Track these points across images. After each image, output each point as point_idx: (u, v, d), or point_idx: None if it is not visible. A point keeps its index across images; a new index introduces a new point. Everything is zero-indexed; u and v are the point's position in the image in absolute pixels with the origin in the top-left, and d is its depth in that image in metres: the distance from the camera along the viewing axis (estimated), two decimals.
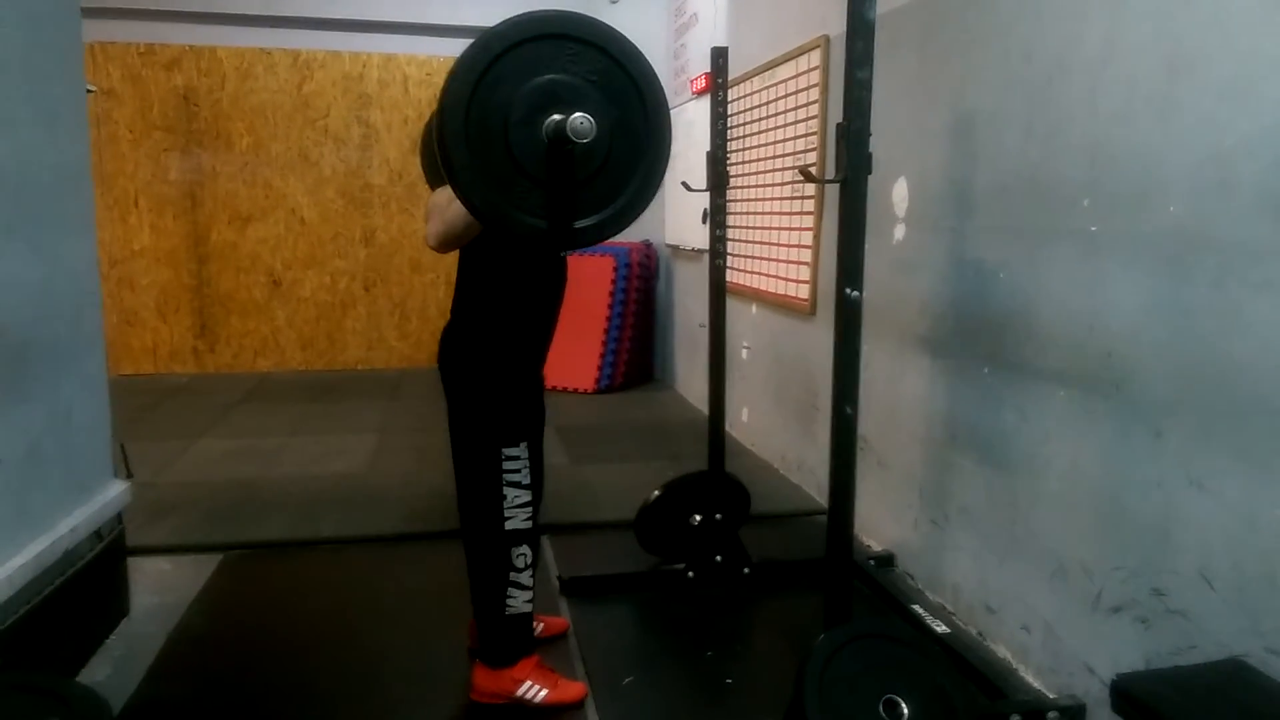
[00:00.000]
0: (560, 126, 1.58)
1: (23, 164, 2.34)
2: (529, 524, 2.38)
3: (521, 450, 2.34)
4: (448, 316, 2.47)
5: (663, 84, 1.81)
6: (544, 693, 2.39)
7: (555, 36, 1.64)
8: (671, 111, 5.88)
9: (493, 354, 2.34)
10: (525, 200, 1.67)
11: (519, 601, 2.39)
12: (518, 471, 2.33)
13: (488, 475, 2.33)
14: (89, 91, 2.77)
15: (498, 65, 1.59)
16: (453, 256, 2.42)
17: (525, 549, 2.38)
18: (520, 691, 2.38)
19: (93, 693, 1.73)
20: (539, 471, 2.45)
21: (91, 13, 2.77)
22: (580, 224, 1.72)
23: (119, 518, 2.88)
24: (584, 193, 1.70)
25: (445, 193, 2.21)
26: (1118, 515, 2.18)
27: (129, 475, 2.98)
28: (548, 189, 1.68)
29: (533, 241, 1.85)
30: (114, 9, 6.40)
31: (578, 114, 1.54)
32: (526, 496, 2.35)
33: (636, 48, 1.74)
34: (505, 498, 2.32)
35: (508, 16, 1.62)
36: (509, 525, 2.34)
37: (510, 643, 2.41)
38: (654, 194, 1.81)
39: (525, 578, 2.39)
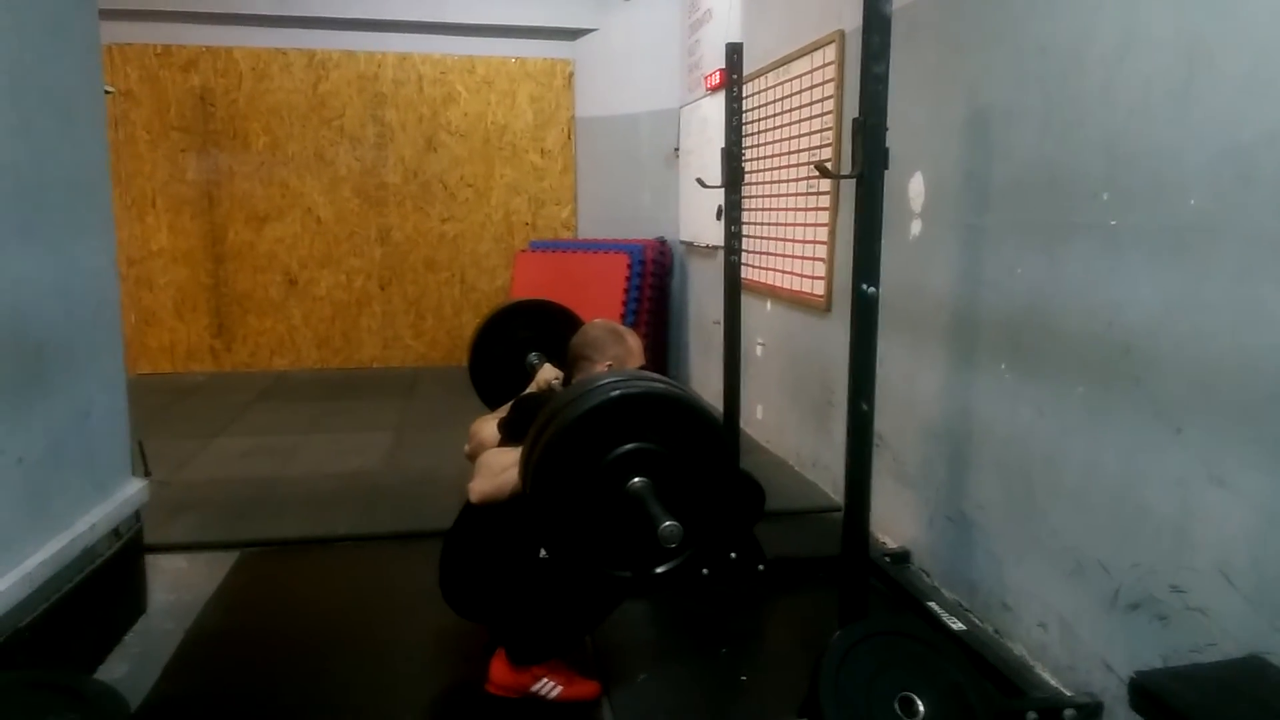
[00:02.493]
0: (644, 499, 1.79)
1: (42, 165, 2.36)
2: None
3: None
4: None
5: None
6: (559, 689, 2.39)
7: (646, 407, 1.87)
8: (686, 108, 5.90)
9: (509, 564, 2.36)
10: (607, 544, 1.89)
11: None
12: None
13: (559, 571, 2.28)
14: (107, 93, 2.79)
15: (592, 429, 1.82)
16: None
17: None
18: (535, 686, 2.38)
19: (111, 690, 1.75)
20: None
21: (109, 14, 2.80)
22: (660, 570, 1.93)
23: (137, 515, 2.90)
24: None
25: (500, 458, 2.28)
26: (1136, 512, 2.16)
27: (147, 473, 3.00)
28: (629, 538, 1.87)
29: (617, 589, 2.15)
30: (131, 10, 6.45)
31: (668, 524, 1.71)
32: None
33: (712, 417, 1.96)
34: None
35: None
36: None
37: (557, 649, 2.41)
38: (724, 535, 1.98)
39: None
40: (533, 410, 2.23)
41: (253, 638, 2.83)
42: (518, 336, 3.10)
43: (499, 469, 2.24)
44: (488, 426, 2.53)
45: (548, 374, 2.75)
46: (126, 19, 6.49)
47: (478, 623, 2.50)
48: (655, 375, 1.99)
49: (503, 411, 2.55)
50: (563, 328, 2.83)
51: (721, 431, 1.93)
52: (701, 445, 1.90)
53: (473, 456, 2.48)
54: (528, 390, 2.72)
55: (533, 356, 3.02)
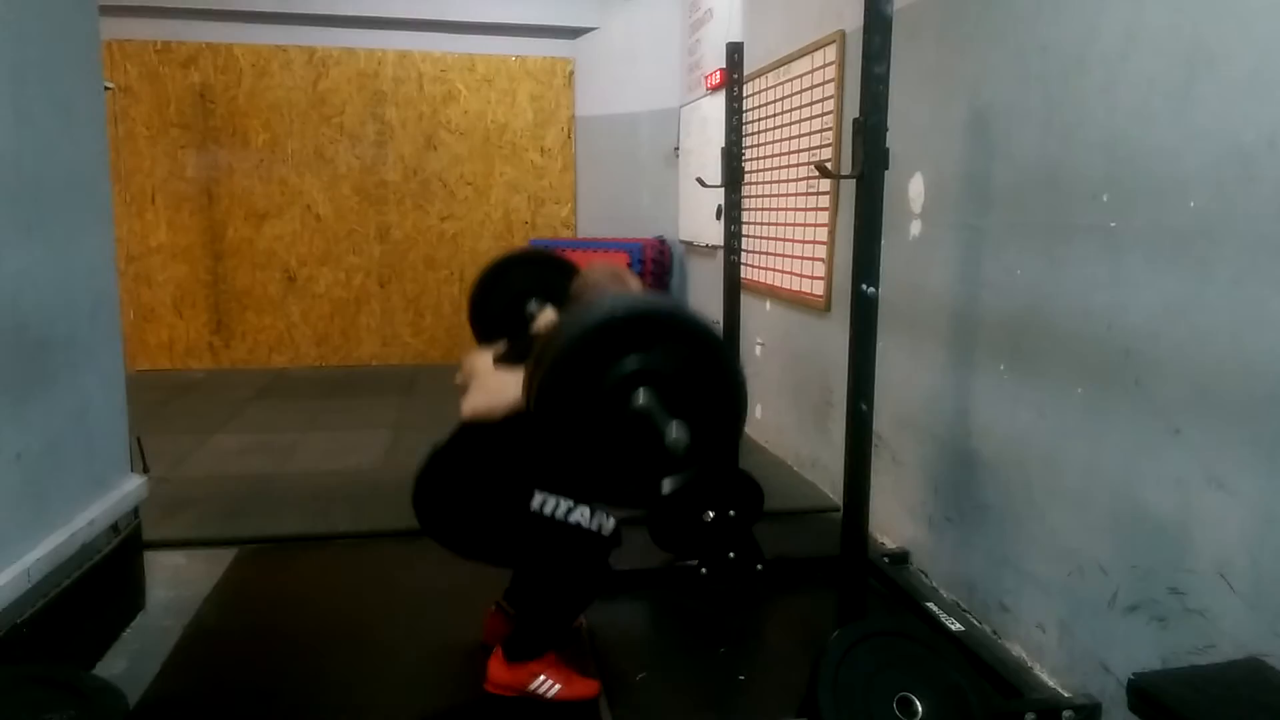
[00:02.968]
0: (650, 413, 1.75)
1: (41, 161, 2.36)
2: (613, 520, 2.37)
3: (539, 495, 2.29)
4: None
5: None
6: (557, 687, 2.39)
7: (653, 323, 1.83)
8: (686, 107, 5.90)
9: (493, 502, 2.33)
10: (613, 461, 1.85)
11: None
12: (558, 504, 2.29)
13: (549, 532, 2.28)
14: (106, 89, 2.78)
15: (600, 342, 1.77)
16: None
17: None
18: (534, 685, 2.38)
19: (110, 686, 1.75)
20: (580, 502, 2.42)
21: (108, 10, 2.79)
22: (666, 487, 1.90)
23: (135, 512, 2.90)
24: (664, 456, 1.79)
25: (499, 376, 2.27)
26: (1135, 513, 2.16)
27: (145, 470, 3.00)
28: (636, 457, 1.83)
29: (622, 504, 2.08)
30: (131, 7, 6.44)
31: (677, 428, 1.70)
32: (588, 507, 2.32)
33: (720, 334, 1.96)
34: (580, 524, 2.30)
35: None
36: (605, 531, 2.34)
37: (550, 640, 2.41)
38: (729, 455, 1.97)
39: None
40: (531, 340, 2.21)
41: (251, 634, 2.83)
42: (519, 284, 3.07)
43: (497, 386, 2.21)
44: (483, 358, 2.48)
45: (549, 317, 2.72)
46: (126, 15, 6.48)
47: (447, 547, 2.43)
48: (657, 295, 1.98)
49: (498, 348, 2.51)
50: (565, 277, 2.81)
51: (727, 351, 1.91)
52: (706, 360, 1.84)
53: (465, 387, 2.45)
54: (531, 332, 2.70)
55: (533, 302, 2.99)
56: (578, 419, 1.78)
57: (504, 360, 2.39)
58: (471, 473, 2.37)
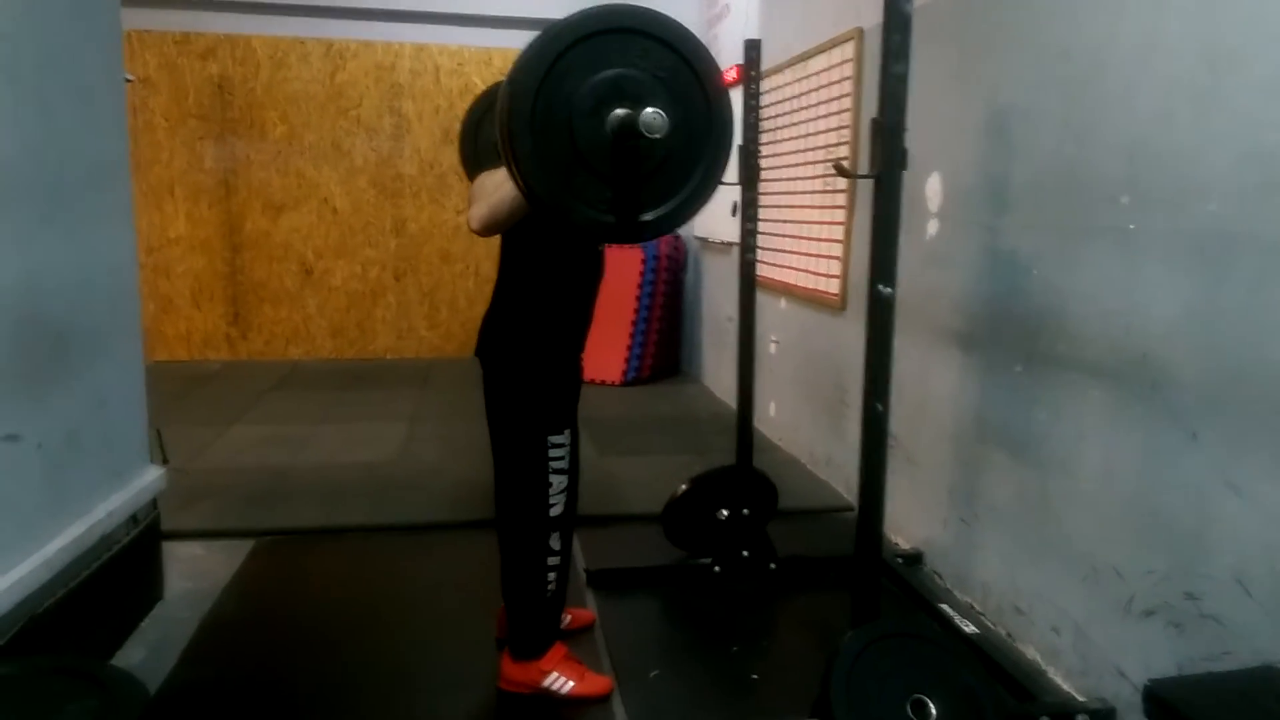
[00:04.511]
0: (629, 120, 1.59)
1: (62, 153, 2.38)
2: (568, 509, 2.41)
3: (566, 437, 2.36)
4: (477, 306, 2.47)
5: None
6: (570, 684, 2.40)
7: (625, 31, 1.66)
8: None
9: (536, 340, 2.35)
10: (587, 192, 1.69)
11: (554, 587, 2.43)
12: (562, 459, 2.36)
13: (533, 463, 2.34)
14: (127, 81, 2.80)
15: (567, 56, 1.61)
16: (484, 246, 2.43)
17: (559, 533, 2.41)
18: (547, 682, 2.39)
19: (130, 676, 1.76)
20: (577, 458, 2.47)
21: (129, 1, 2.80)
22: (645, 218, 1.74)
23: (154, 503, 2.93)
24: (647, 186, 1.70)
25: (492, 177, 2.23)
26: (1152, 518, 2.15)
27: (164, 461, 3.03)
28: (613, 182, 1.69)
29: (596, 234, 1.89)
30: None
31: (650, 109, 1.55)
32: (565, 482, 2.38)
33: (702, 44, 1.73)
34: (551, 485, 2.35)
35: (566, 8, 1.62)
36: (553, 512, 2.37)
37: (539, 633, 2.43)
38: (715, 188, 1.82)
39: (559, 561, 2.42)
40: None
41: (268, 625, 2.85)
42: None
43: (492, 187, 2.18)
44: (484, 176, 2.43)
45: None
46: (146, 6, 6.52)
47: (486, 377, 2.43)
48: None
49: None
50: None
51: (708, 54, 1.74)
52: (683, 72, 1.70)
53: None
54: None
55: None
56: (549, 142, 1.62)
57: (493, 156, 2.35)
58: (512, 302, 2.39)
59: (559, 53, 1.60)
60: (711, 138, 1.76)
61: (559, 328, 2.39)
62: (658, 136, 1.56)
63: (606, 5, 1.66)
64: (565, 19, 1.62)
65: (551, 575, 2.42)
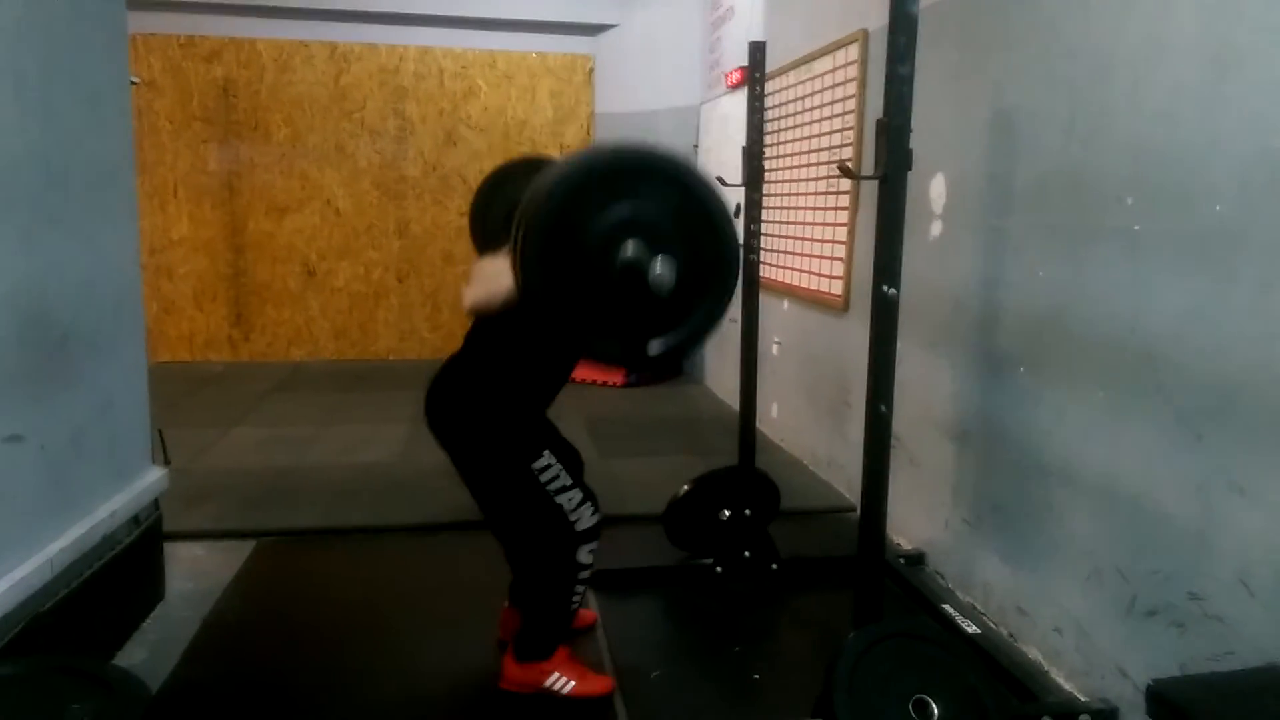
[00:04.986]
0: (638, 264, 1.65)
1: (69, 156, 2.38)
2: (596, 518, 2.37)
3: (549, 457, 2.29)
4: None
5: (714, 182, 1.84)
6: (571, 684, 2.40)
7: (640, 169, 1.73)
8: (706, 105, 5.88)
9: (502, 417, 2.32)
10: (595, 321, 1.76)
11: (578, 599, 2.41)
12: (557, 477, 2.30)
13: (533, 499, 2.29)
14: (133, 84, 2.81)
15: (585, 190, 1.68)
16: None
17: (594, 544, 2.38)
18: (548, 682, 2.39)
19: (132, 675, 1.76)
20: (576, 467, 2.45)
21: (133, 4, 2.81)
22: (651, 348, 1.80)
23: (156, 503, 2.93)
24: (654, 316, 1.74)
25: (493, 264, 2.24)
26: (1155, 518, 2.15)
27: (166, 462, 3.02)
28: (620, 314, 1.75)
29: (602, 362, 1.95)
30: (156, 1, 6.49)
31: (660, 265, 1.62)
32: (579, 495, 2.33)
33: (714, 186, 1.80)
34: (562, 505, 2.30)
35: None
36: (580, 526, 2.33)
37: (552, 639, 2.42)
38: (723, 318, 1.87)
39: (588, 575, 2.40)
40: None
41: (269, 626, 2.85)
42: (517, 194, 2.99)
43: (492, 274, 2.19)
44: (485, 262, 2.45)
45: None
46: (151, 9, 6.53)
47: (445, 450, 2.44)
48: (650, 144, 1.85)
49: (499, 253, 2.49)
50: None
51: (720, 197, 1.79)
52: (697, 211, 1.75)
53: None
54: None
55: None
56: (561, 273, 1.68)
57: (501, 244, 2.36)
58: (479, 375, 2.36)
59: (577, 186, 1.67)
60: (719, 272, 1.82)
61: (530, 405, 2.36)
62: (664, 292, 1.64)
63: (623, 145, 1.75)
64: (586, 154, 1.72)
65: (579, 589, 2.39)
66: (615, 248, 1.67)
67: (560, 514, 2.30)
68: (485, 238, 2.79)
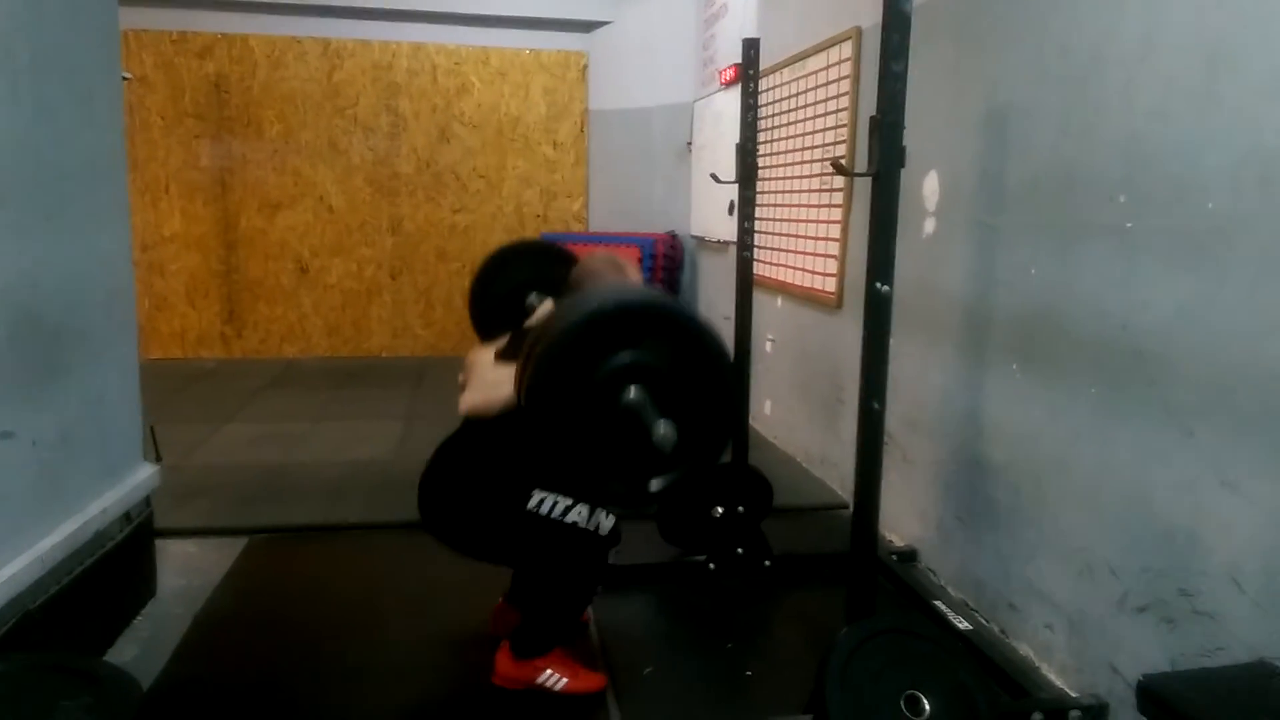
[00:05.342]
0: (642, 410, 1.71)
1: (61, 151, 2.37)
2: (613, 517, 2.36)
3: (538, 493, 2.29)
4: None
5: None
6: (564, 681, 2.40)
7: (650, 319, 1.80)
8: (699, 102, 5.87)
9: (492, 499, 2.34)
10: (597, 460, 1.80)
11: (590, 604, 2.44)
12: (556, 503, 2.29)
13: (548, 532, 2.29)
14: (124, 79, 2.80)
15: (590, 337, 1.73)
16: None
17: (619, 546, 2.38)
18: (541, 679, 2.39)
19: (123, 672, 1.76)
20: (576, 486, 2.42)
21: (125, 0, 2.80)
22: (652, 486, 1.84)
23: (148, 500, 2.92)
24: (655, 455, 1.76)
25: (495, 370, 2.28)
26: (1146, 515, 2.16)
27: (158, 458, 3.02)
28: (622, 454, 1.79)
29: (603, 502, 2.07)
30: None
31: (663, 425, 1.67)
32: (585, 506, 2.32)
33: (715, 332, 1.84)
34: (577, 524, 2.30)
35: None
36: (603, 530, 2.33)
37: (554, 639, 2.42)
38: (722, 454, 1.92)
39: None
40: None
41: (261, 623, 2.84)
42: (519, 276, 3.06)
43: (492, 382, 2.23)
44: (484, 354, 2.49)
45: (548, 310, 2.71)
46: (143, 5, 6.52)
47: (445, 543, 2.46)
48: (655, 289, 1.95)
49: (500, 343, 2.52)
50: (565, 268, 2.80)
51: (721, 346, 1.85)
52: (700, 359, 1.81)
53: (465, 384, 2.47)
54: (527, 325, 2.70)
55: (533, 295, 2.98)
56: (567, 414, 1.74)
57: (503, 354, 2.40)
58: (472, 470, 2.38)
59: (583, 334, 1.73)
60: (720, 412, 1.86)
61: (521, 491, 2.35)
62: (667, 450, 1.67)
63: (630, 295, 1.85)
64: (595, 306, 1.77)
65: (592, 595, 2.40)
66: (620, 391, 1.74)
67: (579, 530, 2.30)
68: (484, 318, 2.90)
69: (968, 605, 2.95)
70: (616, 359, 1.73)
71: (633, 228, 7.04)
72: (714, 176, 3.76)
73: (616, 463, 1.81)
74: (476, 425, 2.35)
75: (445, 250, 7.42)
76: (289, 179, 7.13)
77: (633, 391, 1.73)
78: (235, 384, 6.29)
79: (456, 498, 2.38)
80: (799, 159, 4.49)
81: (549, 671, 2.39)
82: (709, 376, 1.81)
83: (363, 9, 6.89)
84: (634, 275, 2.57)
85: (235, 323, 7.26)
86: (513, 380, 1.86)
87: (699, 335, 1.81)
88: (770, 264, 4.91)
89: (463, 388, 2.48)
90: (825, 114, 4.15)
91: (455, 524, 2.39)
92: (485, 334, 2.96)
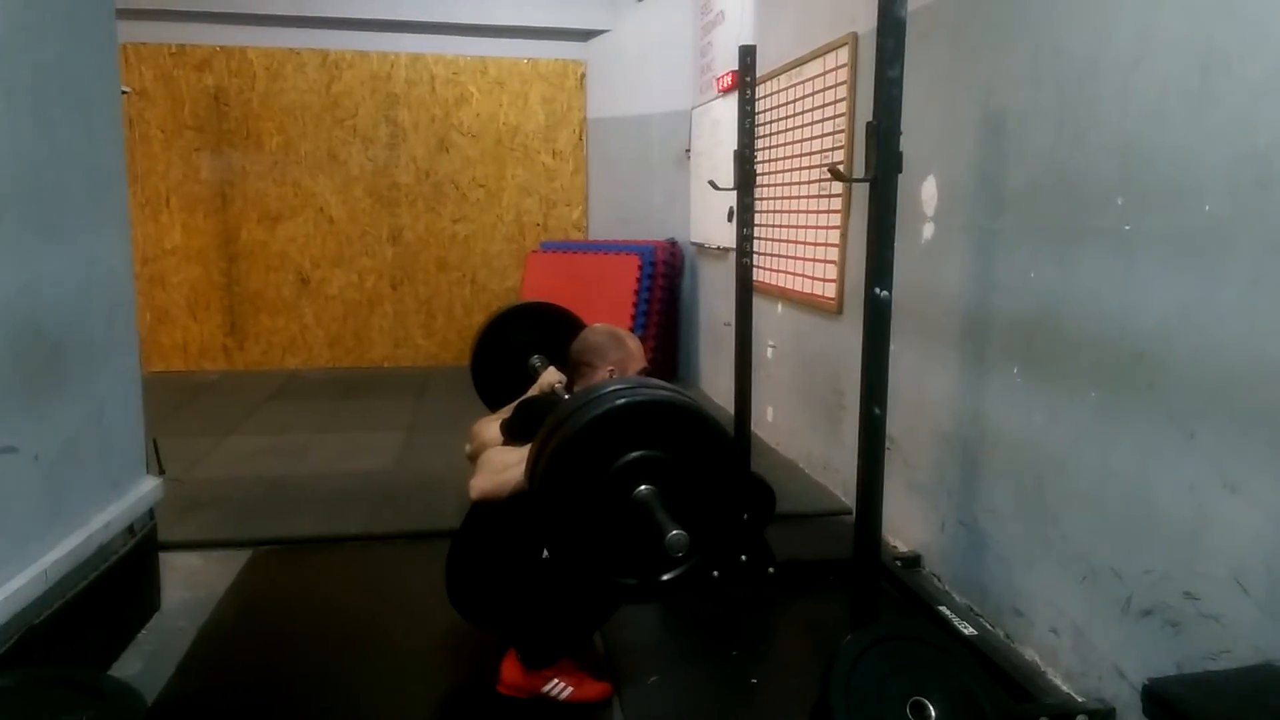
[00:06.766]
0: (651, 509, 1.76)
1: (61, 165, 2.38)
2: None
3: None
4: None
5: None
6: (569, 690, 2.40)
7: (663, 416, 1.86)
8: (697, 109, 5.89)
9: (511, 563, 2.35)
10: (609, 556, 1.86)
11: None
12: None
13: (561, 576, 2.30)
14: (124, 93, 2.80)
15: (600, 436, 1.80)
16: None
17: None
18: (546, 688, 2.39)
19: (128, 687, 1.76)
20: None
21: (124, 14, 2.81)
22: (664, 577, 1.90)
23: (151, 513, 2.92)
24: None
25: (502, 455, 2.30)
26: (1149, 518, 2.16)
27: (161, 471, 3.02)
28: (633, 548, 1.84)
29: (625, 600, 2.10)
30: (146, 10, 6.49)
31: (675, 532, 1.69)
32: None
33: (719, 425, 1.91)
34: None
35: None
36: None
37: (562, 650, 2.42)
38: (733, 544, 2.01)
39: None
40: (536, 413, 2.24)
41: (265, 636, 2.84)
42: (519, 339, 3.10)
43: (500, 467, 2.25)
44: (490, 428, 2.53)
45: (551, 377, 2.75)
46: (141, 19, 6.53)
47: (484, 627, 2.51)
48: (660, 382, 1.99)
49: (505, 413, 2.55)
50: (565, 330, 2.83)
51: (728, 439, 1.92)
52: (708, 452, 1.89)
53: (474, 457, 2.49)
54: (530, 393, 2.73)
55: (535, 360, 3.01)
56: (579, 510, 1.81)
57: (509, 430, 2.43)
58: (490, 549, 2.40)
59: (594, 428, 1.79)
60: (729, 503, 1.93)
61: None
62: (677, 554, 1.70)
63: (641, 393, 1.88)
64: (609, 404, 1.82)
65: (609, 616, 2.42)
66: (631, 487, 1.80)
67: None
68: (486, 381, 2.98)
69: (972, 610, 2.94)
70: (625, 457, 1.80)
71: (632, 235, 7.05)
72: (712, 184, 3.76)
73: (628, 554, 1.86)
74: (485, 509, 2.36)
75: (446, 260, 7.43)
76: (289, 190, 7.15)
77: (644, 489, 1.79)
78: (237, 396, 6.29)
79: (481, 582, 2.43)
80: (797, 165, 4.50)
81: (555, 681, 2.39)
82: (715, 465, 1.88)
83: (361, 20, 6.91)
84: (633, 346, 2.62)
85: (237, 335, 7.27)
86: (521, 464, 1.93)
87: (712, 433, 1.88)
88: (770, 270, 4.91)
89: (470, 459, 2.52)
90: (822, 120, 4.16)
91: (489, 605, 2.44)
92: (487, 396, 2.99)
